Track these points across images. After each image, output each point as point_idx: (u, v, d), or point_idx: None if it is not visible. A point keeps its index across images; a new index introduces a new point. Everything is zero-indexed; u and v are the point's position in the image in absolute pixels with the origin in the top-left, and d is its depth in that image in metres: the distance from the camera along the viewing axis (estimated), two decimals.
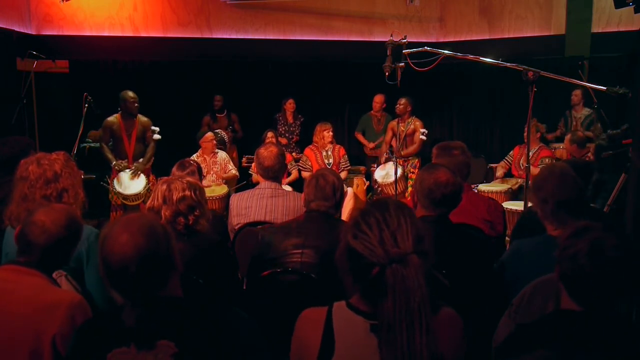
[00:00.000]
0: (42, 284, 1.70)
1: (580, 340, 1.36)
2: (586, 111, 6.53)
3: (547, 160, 5.52)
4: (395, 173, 5.26)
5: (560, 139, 6.69)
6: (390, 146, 6.27)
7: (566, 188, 2.01)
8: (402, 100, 6.18)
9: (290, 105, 7.06)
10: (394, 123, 6.31)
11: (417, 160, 6.20)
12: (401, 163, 5.95)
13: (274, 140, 5.92)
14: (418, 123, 6.17)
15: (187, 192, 2.29)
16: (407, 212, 1.39)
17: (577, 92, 6.49)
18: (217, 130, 6.55)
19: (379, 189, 5.89)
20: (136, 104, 5.35)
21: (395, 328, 1.27)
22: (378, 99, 6.95)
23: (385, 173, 5.86)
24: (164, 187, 2.30)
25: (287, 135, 7.06)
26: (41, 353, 1.58)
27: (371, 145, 6.96)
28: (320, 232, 2.30)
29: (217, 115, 7.05)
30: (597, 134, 5.90)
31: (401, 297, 1.28)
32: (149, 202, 2.36)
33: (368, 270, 1.32)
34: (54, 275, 1.93)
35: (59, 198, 2.25)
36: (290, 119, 7.11)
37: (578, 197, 2.06)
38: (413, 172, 6.06)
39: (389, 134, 6.37)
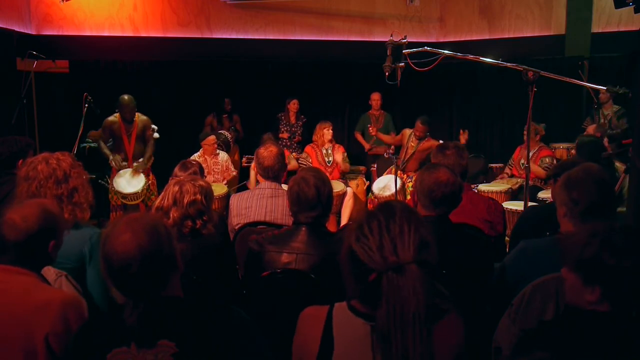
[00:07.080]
0: (32, 282, 1.68)
1: (599, 340, 1.34)
2: (615, 107, 6.31)
3: (547, 159, 5.48)
4: (395, 182, 5.12)
5: None
6: (396, 150, 6.10)
7: (601, 191, 1.98)
8: (421, 127, 5.76)
9: (293, 105, 7.05)
10: (409, 132, 6.01)
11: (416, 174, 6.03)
12: (401, 175, 5.82)
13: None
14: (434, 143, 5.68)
15: (198, 197, 2.25)
16: (413, 218, 1.36)
17: (604, 90, 6.38)
18: (221, 132, 6.56)
19: (375, 200, 5.76)
20: (132, 112, 5.36)
21: (389, 337, 1.26)
22: (376, 97, 6.97)
23: (383, 185, 5.68)
24: (176, 188, 2.26)
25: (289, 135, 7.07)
26: (35, 352, 1.56)
27: (368, 145, 6.99)
28: (309, 248, 2.19)
29: (221, 115, 7.05)
30: (621, 128, 5.82)
31: (395, 307, 1.26)
32: (158, 200, 2.32)
33: (366, 275, 1.31)
34: (54, 275, 1.94)
35: (70, 197, 2.22)
36: (292, 119, 7.09)
37: (609, 202, 2.06)
38: (411, 180, 5.95)
39: (399, 137, 6.16)
